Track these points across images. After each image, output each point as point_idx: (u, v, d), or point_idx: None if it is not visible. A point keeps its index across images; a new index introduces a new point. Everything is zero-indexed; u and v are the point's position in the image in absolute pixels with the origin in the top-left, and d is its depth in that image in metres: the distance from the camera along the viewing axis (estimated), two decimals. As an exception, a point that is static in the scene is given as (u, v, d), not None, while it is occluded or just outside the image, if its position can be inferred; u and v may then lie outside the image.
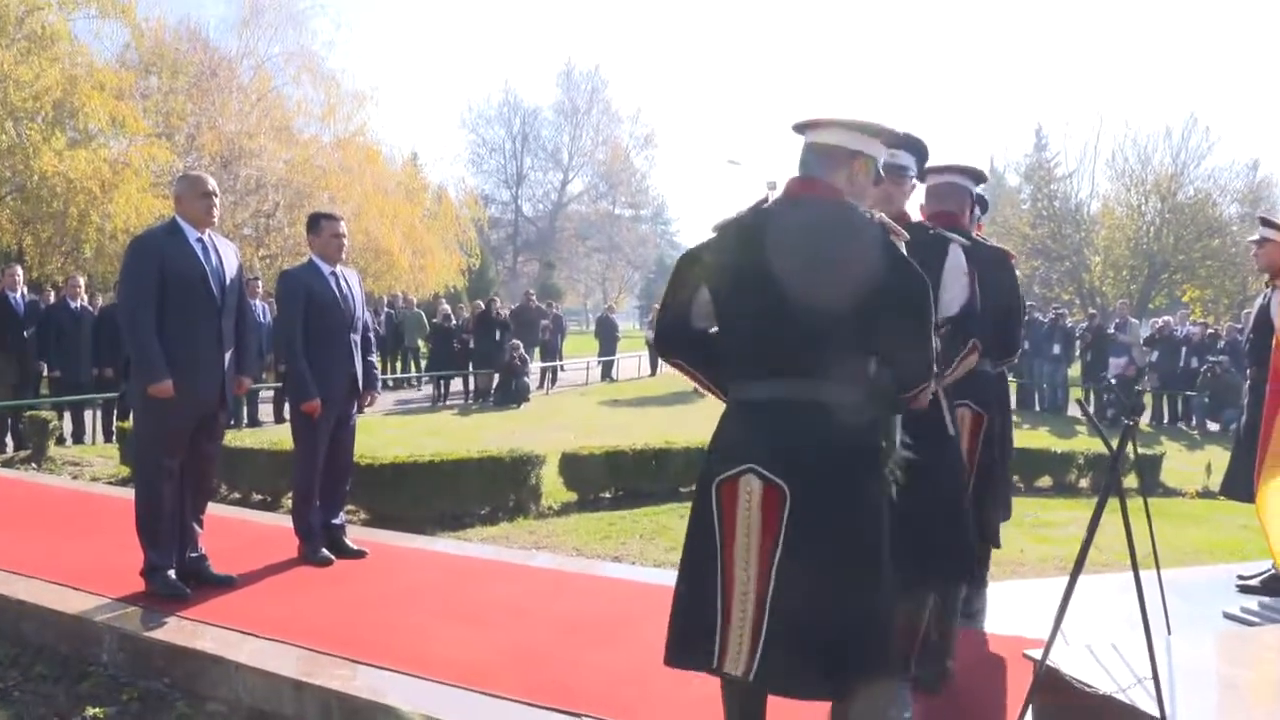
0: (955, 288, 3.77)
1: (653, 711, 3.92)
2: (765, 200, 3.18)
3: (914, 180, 4.08)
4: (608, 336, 27.14)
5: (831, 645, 2.84)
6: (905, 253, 2.99)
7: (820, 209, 3.05)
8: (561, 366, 24.40)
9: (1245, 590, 5.10)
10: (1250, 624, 4.51)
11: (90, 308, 13.39)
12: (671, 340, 3.35)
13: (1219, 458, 7.96)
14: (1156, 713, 2.97)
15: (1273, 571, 5.12)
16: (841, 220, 3.02)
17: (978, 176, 4.60)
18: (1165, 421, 18.49)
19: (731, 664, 2.90)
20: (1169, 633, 4.14)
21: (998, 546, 4.66)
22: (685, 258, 3.31)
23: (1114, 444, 3.36)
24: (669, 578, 6.01)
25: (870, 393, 3.00)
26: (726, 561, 2.95)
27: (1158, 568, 4.42)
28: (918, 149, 4.02)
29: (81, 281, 13.93)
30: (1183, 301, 36.28)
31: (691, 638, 3.00)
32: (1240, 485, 5.45)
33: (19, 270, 12.72)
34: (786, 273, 2.95)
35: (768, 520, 2.90)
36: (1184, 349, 18.87)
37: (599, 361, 26.45)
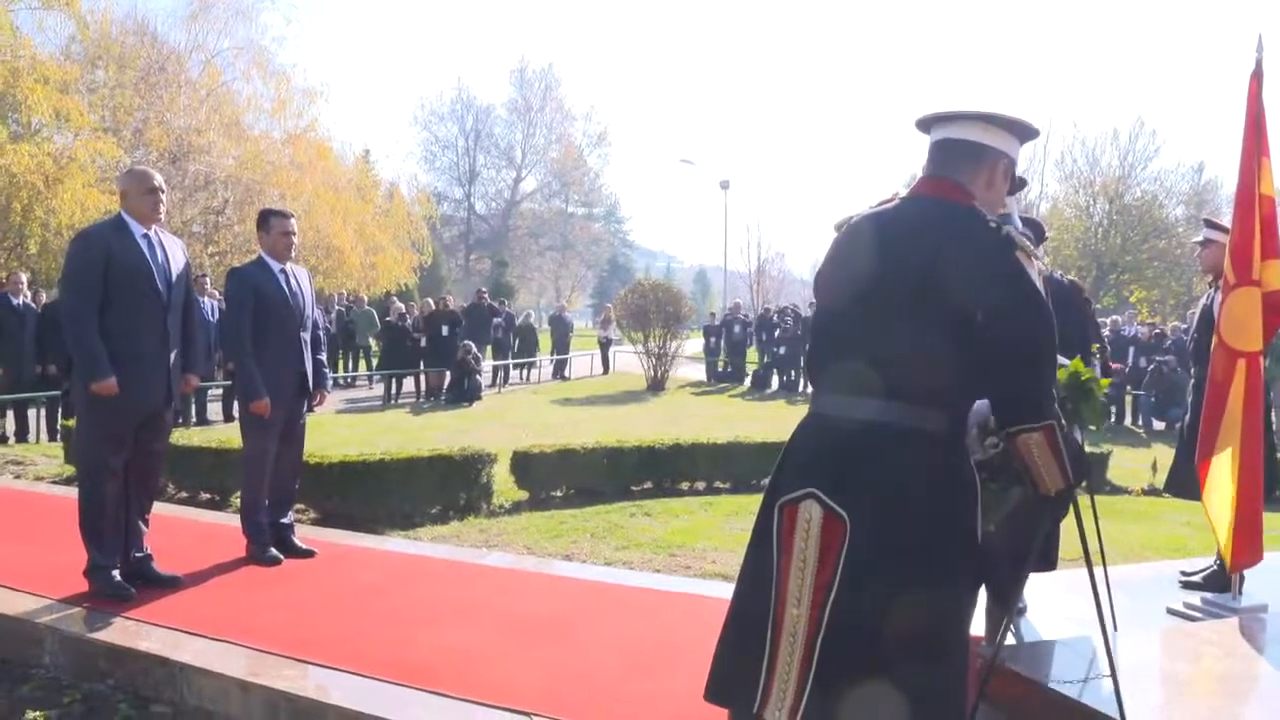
0: None
1: (601, 710, 3.90)
2: (893, 198, 2.87)
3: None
4: (561, 335, 27.10)
5: (884, 713, 2.46)
6: (1035, 277, 2.60)
7: (937, 211, 2.71)
8: (514, 365, 24.31)
9: (1188, 586, 5.16)
10: (1193, 619, 4.56)
11: (34, 304, 13.20)
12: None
13: (1165, 456, 8.09)
14: (1112, 710, 3.00)
15: (1215, 568, 5.20)
16: (958, 226, 2.65)
17: (1039, 232, 4.83)
18: (1112, 420, 18.74)
19: (773, 712, 2.58)
20: (1114, 629, 4.19)
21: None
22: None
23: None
24: (619, 576, 6.07)
25: (964, 424, 2.70)
26: (780, 593, 2.62)
27: (1104, 565, 4.47)
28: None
29: (24, 278, 13.69)
30: (1130, 302, 36.88)
31: (736, 675, 2.69)
32: (1184, 483, 5.52)
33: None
34: (878, 278, 2.64)
35: (825, 554, 2.56)
36: (1131, 349, 19.19)
37: (552, 360, 26.42)
